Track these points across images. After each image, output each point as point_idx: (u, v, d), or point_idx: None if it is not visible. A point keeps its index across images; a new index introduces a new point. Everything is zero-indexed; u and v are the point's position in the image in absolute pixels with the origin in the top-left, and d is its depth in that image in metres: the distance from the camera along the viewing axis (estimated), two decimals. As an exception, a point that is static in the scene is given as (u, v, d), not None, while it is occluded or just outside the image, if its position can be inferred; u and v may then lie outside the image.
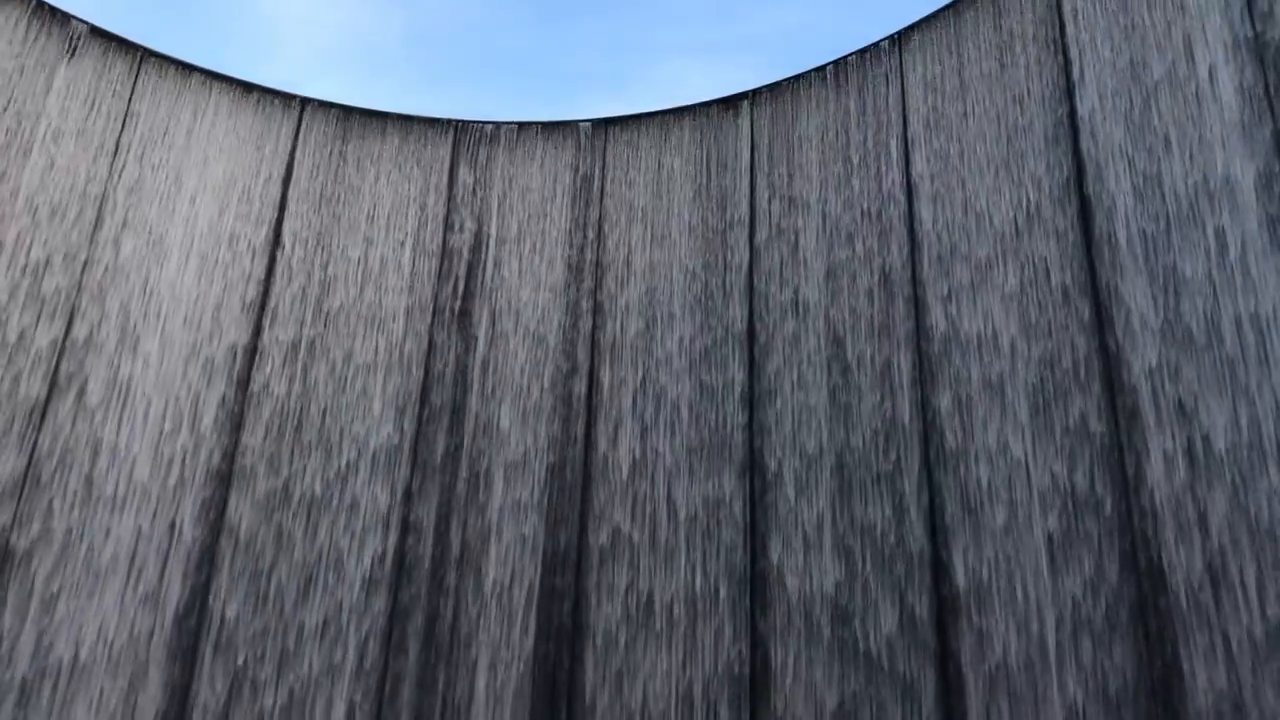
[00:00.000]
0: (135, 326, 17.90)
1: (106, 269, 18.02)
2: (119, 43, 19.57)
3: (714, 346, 18.79)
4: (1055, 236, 15.68)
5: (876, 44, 19.44)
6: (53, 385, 16.95)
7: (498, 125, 21.97)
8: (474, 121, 21.99)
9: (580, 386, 19.17)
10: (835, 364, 17.51)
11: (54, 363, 17.06)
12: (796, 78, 20.30)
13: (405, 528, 18.15)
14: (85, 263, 17.84)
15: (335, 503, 18.07)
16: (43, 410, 16.77)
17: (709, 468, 17.89)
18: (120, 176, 18.72)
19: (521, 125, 22.00)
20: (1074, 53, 16.48)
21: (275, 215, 19.98)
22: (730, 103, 20.98)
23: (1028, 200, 16.23)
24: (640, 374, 18.99)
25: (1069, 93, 16.31)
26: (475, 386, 19.33)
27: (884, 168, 18.34)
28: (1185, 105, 14.59)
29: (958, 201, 17.09)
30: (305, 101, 21.20)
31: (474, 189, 21.12)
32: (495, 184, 21.17)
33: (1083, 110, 15.99)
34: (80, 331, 17.41)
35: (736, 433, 17.98)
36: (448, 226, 20.74)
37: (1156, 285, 14.12)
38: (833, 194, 18.75)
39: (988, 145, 17.06)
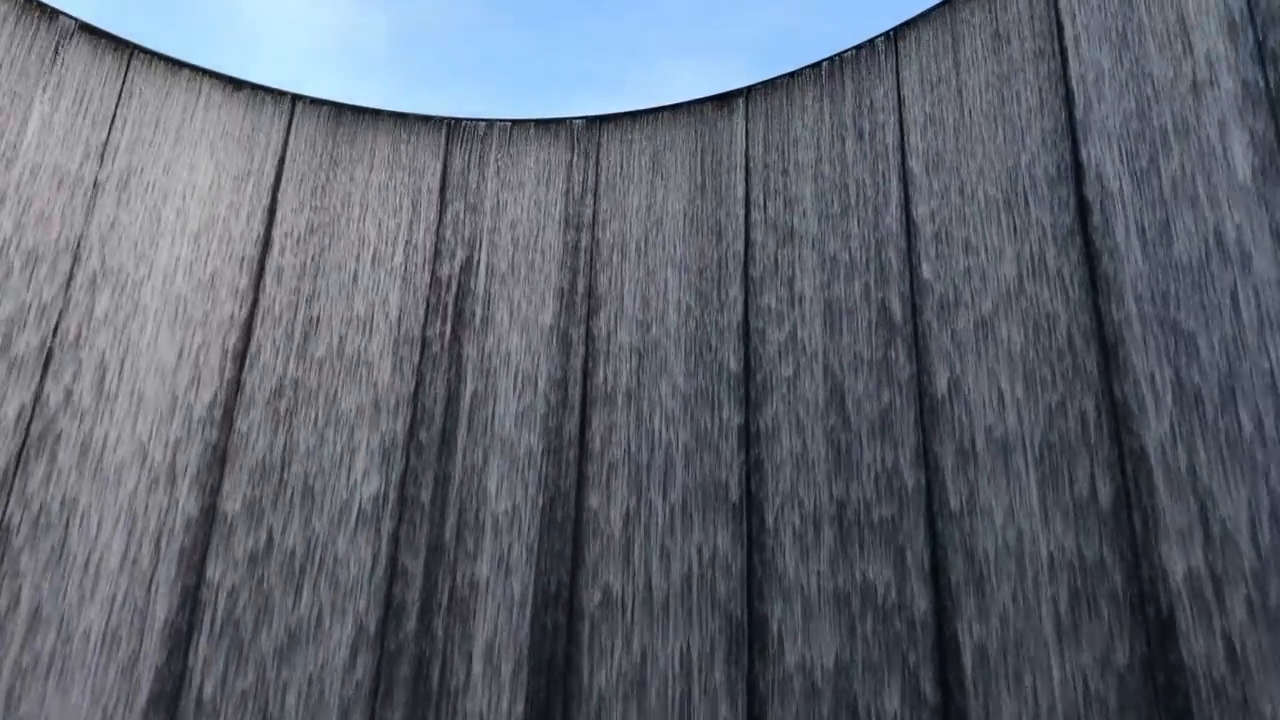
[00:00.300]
0: (111, 382, 17.29)
1: (82, 322, 17.44)
2: (108, 39, 19.32)
3: (709, 388, 18.27)
4: (1060, 287, 15.21)
5: (871, 42, 19.13)
6: (24, 447, 16.35)
7: (490, 123, 21.57)
8: (467, 120, 21.58)
9: (572, 431, 18.62)
10: (834, 409, 17.01)
11: (26, 424, 16.47)
12: (791, 77, 19.96)
13: (392, 576, 17.59)
14: (60, 315, 17.28)
15: (319, 558, 17.47)
16: (13, 474, 16.18)
17: (704, 518, 17.35)
18: (98, 213, 18.17)
19: (515, 122, 21.60)
20: (1077, 89, 16.02)
21: (259, 252, 19.40)
22: (724, 101, 20.59)
23: (1031, 246, 15.77)
24: (633, 417, 18.46)
25: (1071, 131, 15.84)
26: (463, 427, 18.79)
27: (882, 204, 17.85)
28: (1195, 155, 14.11)
29: (958, 242, 16.63)
30: (296, 99, 20.84)
31: (464, 216, 20.57)
32: (486, 211, 20.62)
33: (1086, 153, 15.52)
34: (52, 389, 16.81)
35: (733, 480, 17.44)
36: (437, 255, 20.20)
37: (1167, 346, 13.65)
38: (830, 229, 18.27)
39: (988, 185, 16.56)
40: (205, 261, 18.81)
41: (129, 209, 18.47)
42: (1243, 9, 14.22)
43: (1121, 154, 15.01)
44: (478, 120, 21.64)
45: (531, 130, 21.36)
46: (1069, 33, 16.40)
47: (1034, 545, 14.23)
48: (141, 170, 18.77)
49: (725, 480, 17.48)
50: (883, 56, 18.86)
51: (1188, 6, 14.82)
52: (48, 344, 16.98)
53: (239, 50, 41.93)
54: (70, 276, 17.52)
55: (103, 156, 18.40)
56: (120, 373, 17.38)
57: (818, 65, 19.78)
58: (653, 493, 17.76)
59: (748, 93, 20.45)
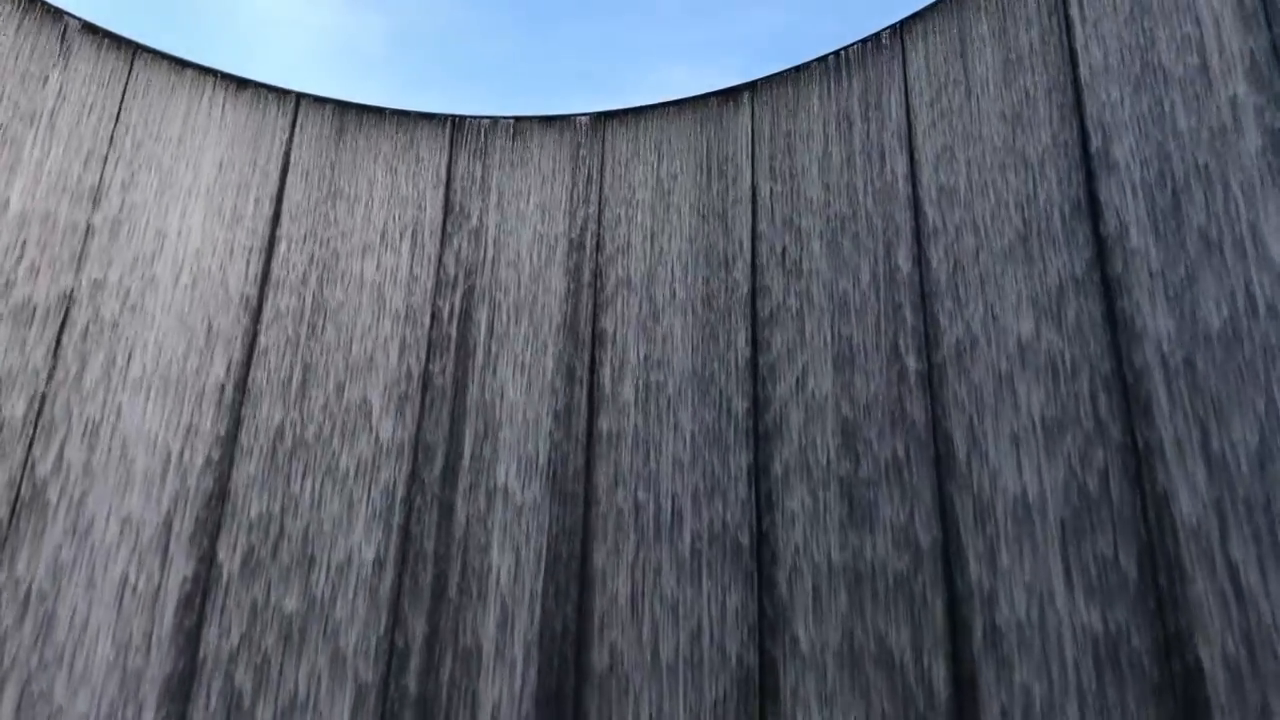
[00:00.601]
0: (104, 445, 16.73)
1: (73, 381, 16.87)
2: (113, 38, 19.19)
3: (717, 431, 17.79)
4: (1080, 337, 14.71)
5: (878, 52, 18.60)
6: (12, 518, 15.79)
7: (495, 120, 21.45)
8: (470, 117, 21.49)
9: (576, 480, 18.12)
10: (846, 455, 16.53)
11: (14, 494, 15.90)
12: (794, 89, 19.71)
13: (394, 630, 17.13)
14: (49, 376, 16.73)
15: (320, 614, 16.96)
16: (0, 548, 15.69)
17: (714, 570, 16.85)
18: (89, 262, 17.64)
19: (519, 119, 21.47)
20: (1092, 127, 15.55)
21: (257, 293, 18.91)
22: (729, 97, 20.38)
23: (1049, 291, 15.28)
24: (638, 468, 17.94)
25: (1088, 171, 15.38)
26: (466, 470, 18.31)
27: (894, 241, 17.36)
28: (1220, 204, 13.57)
29: (973, 284, 16.13)
30: (300, 98, 20.69)
31: (466, 249, 20.11)
32: (489, 243, 20.16)
33: (1105, 196, 15.03)
34: (41, 456, 16.24)
35: (743, 529, 16.97)
36: (438, 289, 19.73)
37: (1195, 414, 13.09)
38: (841, 266, 17.81)
39: (1002, 225, 16.08)
40: (201, 308, 18.35)
41: (122, 254, 18.02)
42: (1267, 50, 13.75)
43: (1142, 201, 14.56)
44: (481, 118, 21.51)
45: (534, 147, 21.03)
46: (1082, 66, 16.02)
47: (1056, 618, 13.73)
48: (134, 208, 18.33)
49: (735, 529, 17.04)
50: (888, 75, 18.51)
51: (1209, 46, 14.33)
52: (36, 407, 16.46)
53: (235, 55, 41.49)
54: (60, 333, 17.00)
55: (96, 199, 17.97)
56: (113, 433, 16.88)
57: (824, 61, 19.49)
58: (660, 543, 17.33)
59: (753, 93, 20.22)
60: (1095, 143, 15.50)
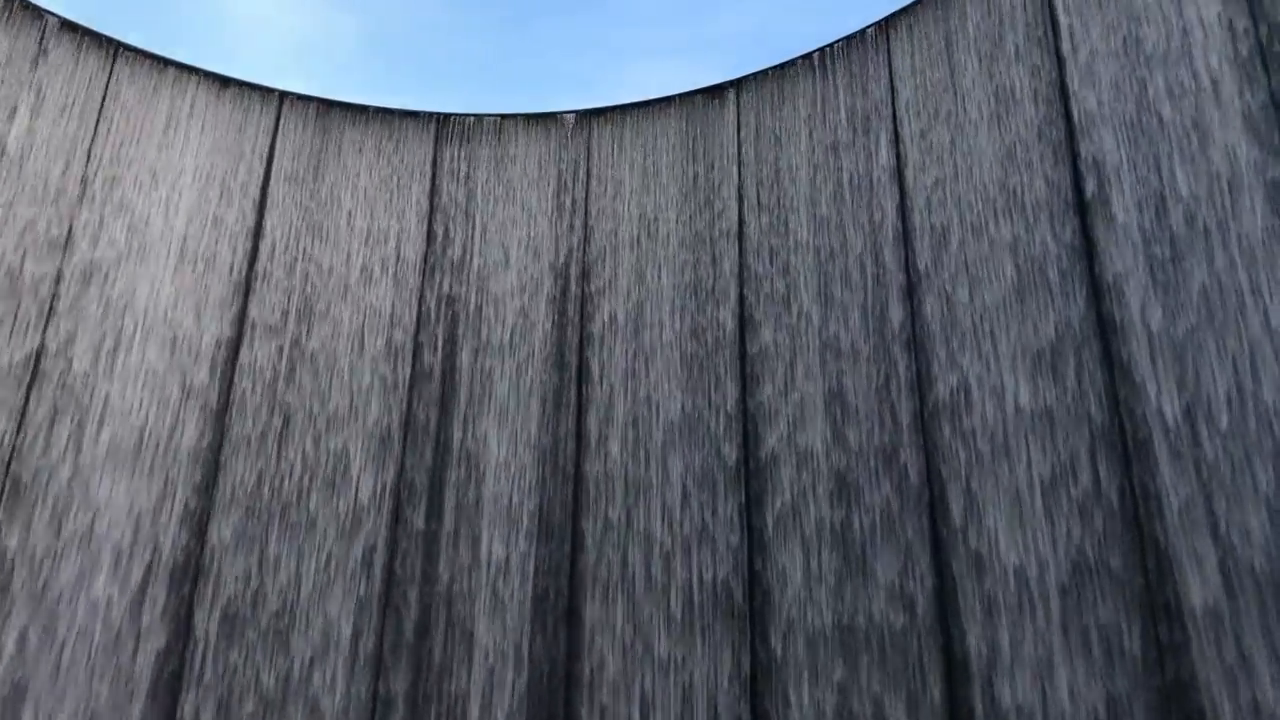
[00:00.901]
0: (76, 518, 16.03)
1: (40, 450, 16.19)
2: (93, 36, 18.83)
3: (708, 480, 17.30)
4: (1079, 399, 14.24)
5: (864, 39, 18.52)
6: None
7: (479, 118, 21.12)
8: (456, 115, 21.20)
9: (564, 527, 17.62)
10: (839, 508, 16.09)
11: None
12: (780, 82, 19.36)
13: (376, 682, 16.62)
14: (15, 441, 16.05)
15: (299, 684, 16.36)
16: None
17: (706, 631, 16.39)
18: (59, 318, 16.97)
19: (505, 117, 21.14)
20: (1087, 172, 15.11)
21: (234, 337, 18.29)
22: (714, 95, 20.04)
23: (1045, 352, 14.79)
24: (626, 516, 17.44)
25: (1084, 220, 14.98)
26: (449, 525, 17.76)
27: (887, 283, 16.97)
28: (1223, 261, 13.24)
29: (968, 339, 15.64)
30: (284, 96, 20.39)
31: (450, 286, 19.58)
32: (472, 277, 19.63)
33: (1103, 246, 14.61)
34: (5, 525, 15.53)
35: (736, 586, 16.53)
36: (420, 324, 19.20)
37: (1199, 476, 12.72)
38: (830, 311, 17.29)
39: (995, 278, 15.63)
40: (176, 360, 17.70)
41: (92, 308, 17.37)
42: (1265, 102, 13.40)
43: (1140, 251, 14.15)
44: (466, 115, 21.19)
45: (518, 173, 20.61)
46: (1074, 105, 15.59)
47: (1054, 676, 13.37)
48: (105, 256, 17.73)
49: (727, 579, 16.63)
50: (877, 104, 18.15)
51: (1204, 98, 13.99)
52: (1, 476, 15.82)
53: (213, 62, 40.58)
54: (26, 398, 16.33)
55: (67, 247, 17.38)
56: (85, 498, 16.23)
57: (809, 59, 19.26)
58: (651, 596, 16.90)
59: (738, 95, 19.89)
60: (1090, 188, 15.09)
